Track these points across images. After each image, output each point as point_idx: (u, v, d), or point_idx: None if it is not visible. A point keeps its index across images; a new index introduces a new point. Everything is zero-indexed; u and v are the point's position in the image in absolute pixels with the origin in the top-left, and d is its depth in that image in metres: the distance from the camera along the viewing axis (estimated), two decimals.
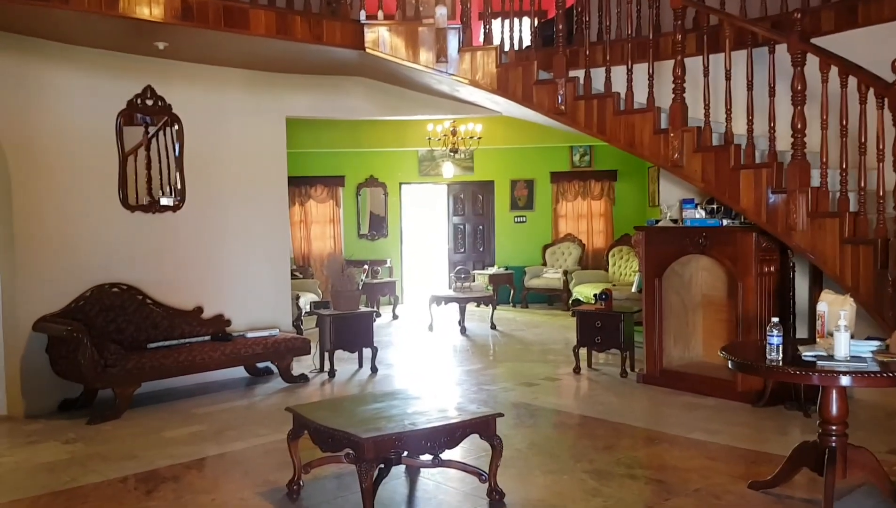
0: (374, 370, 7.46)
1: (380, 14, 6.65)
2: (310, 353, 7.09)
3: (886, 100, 4.43)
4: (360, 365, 7.59)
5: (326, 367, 7.27)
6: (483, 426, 3.97)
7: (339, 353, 7.32)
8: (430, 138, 11.46)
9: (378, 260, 12.56)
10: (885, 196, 4.52)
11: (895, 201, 4.37)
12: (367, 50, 6.56)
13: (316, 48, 6.53)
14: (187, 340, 6.59)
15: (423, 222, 14.03)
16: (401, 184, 13.39)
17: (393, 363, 8.04)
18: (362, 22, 6.59)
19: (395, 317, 11.49)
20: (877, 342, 3.62)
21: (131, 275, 6.61)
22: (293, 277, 9.98)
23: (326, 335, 7.24)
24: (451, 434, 3.81)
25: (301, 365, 7.31)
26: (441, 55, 6.58)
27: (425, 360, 8.38)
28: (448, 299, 10.32)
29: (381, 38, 6.62)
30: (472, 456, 4.57)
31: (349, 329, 7.32)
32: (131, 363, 5.92)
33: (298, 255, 12.51)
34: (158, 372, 6.10)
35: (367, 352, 7.53)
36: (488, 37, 6.75)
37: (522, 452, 4.86)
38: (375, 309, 10.26)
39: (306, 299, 9.99)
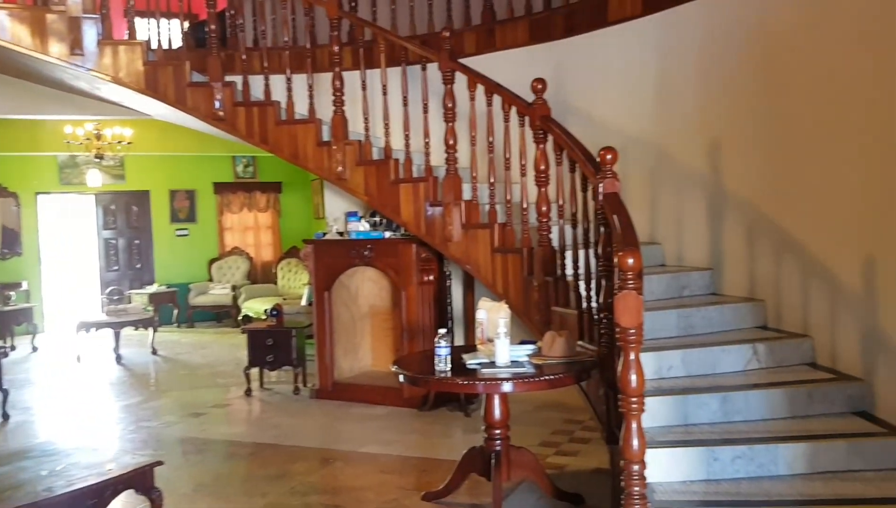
0: (5, 417, 6.27)
1: None
2: None
3: (528, 118, 4.81)
4: None
5: None
6: (139, 480, 3.44)
7: None
8: (69, 142, 10.12)
9: (11, 283, 10.78)
10: (528, 208, 4.91)
11: (537, 213, 4.75)
12: None
13: None
14: None
15: (69, 238, 12.41)
16: (37, 194, 11.65)
17: (31, 406, 6.86)
18: None
19: (34, 349, 9.92)
20: (531, 346, 3.86)
21: None
22: None
23: None
24: (98, 496, 3.23)
25: None
26: (76, 47, 5.78)
27: (73, 398, 7.29)
28: (100, 325, 9.18)
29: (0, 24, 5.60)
30: None
31: None
32: None
33: None
34: None
35: None
36: (133, 34, 6.08)
37: (188, 497, 4.38)
38: (7, 342, 8.73)
39: None
